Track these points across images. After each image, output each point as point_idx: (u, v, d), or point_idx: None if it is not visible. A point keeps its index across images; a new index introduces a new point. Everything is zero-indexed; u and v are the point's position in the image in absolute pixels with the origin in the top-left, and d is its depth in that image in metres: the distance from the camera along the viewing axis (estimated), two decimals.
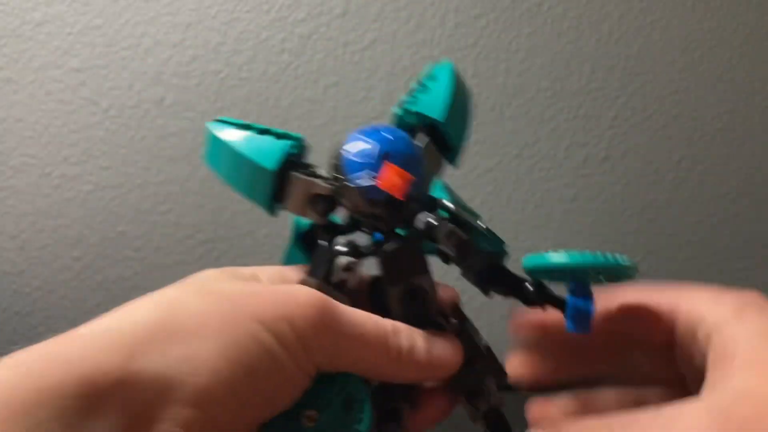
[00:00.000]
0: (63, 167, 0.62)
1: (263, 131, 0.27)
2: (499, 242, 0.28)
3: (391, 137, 0.26)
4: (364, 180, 0.25)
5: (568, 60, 0.64)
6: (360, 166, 0.25)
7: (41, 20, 0.60)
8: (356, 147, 0.25)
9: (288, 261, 0.29)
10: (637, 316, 0.26)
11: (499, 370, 0.28)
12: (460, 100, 0.28)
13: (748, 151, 0.67)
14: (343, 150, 0.26)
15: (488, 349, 0.28)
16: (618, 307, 0.27)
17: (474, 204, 0.64)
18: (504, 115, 0.64)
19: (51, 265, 0.63)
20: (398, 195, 0.25)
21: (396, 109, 0.28)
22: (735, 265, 0.68)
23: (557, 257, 0.25)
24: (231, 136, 0.27)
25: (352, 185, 0.25)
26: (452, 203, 0.28)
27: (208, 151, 0.28)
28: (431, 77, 0.28)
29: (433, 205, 0.28)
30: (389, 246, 0.26)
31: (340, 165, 0.25)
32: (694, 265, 0.68)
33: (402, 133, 0.26)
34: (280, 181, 0.26)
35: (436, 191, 0.29)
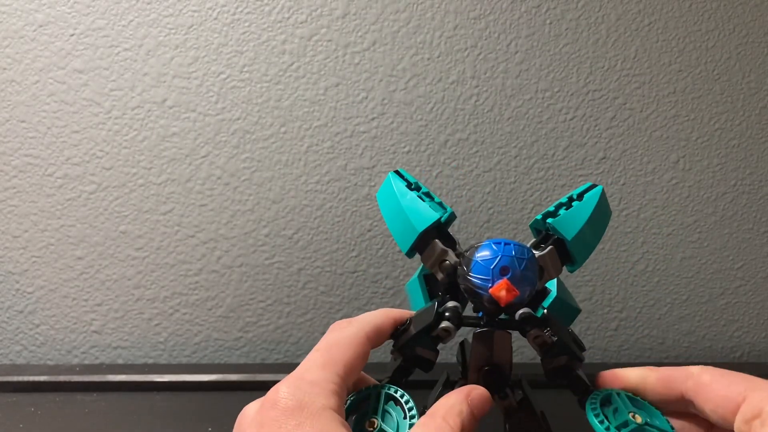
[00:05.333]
0: (65, 167, 0.62)
1: (426, 195, 0.34)
2: (580, 350, 0.33)
3: (514, 255, 0.31)
4: (479, 280, 0.30)
5: (566, 61, 0.64)
6: (481, 269, 0.30)
7: (44, 21, 0.60)
8: (484, 252, 0.31)
9: (411, 285, 0.36)
10: (705, 398, 0.30)
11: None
12: (594, 225, 0.33)
13: (745, 152, 0.67)
14: (475, 249, 0.31)
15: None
16: (691, 387, 0.31)
17: (473, 204, 0.65)
18: (503, 116, 0.64)
19: (53, 264, 0.64)
20: (501, 304, 0.30)
21: (538, 215, 0.33)
22: (733, 264, 0.68)
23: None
24: (400, 190, 0.34)
25: (471, 278, 0.31)
26: (556, 298, 0.35)
27: (381, 191, 0.35)
28: (580, 197, 0.33)
29: (541, 298, 0.34)
30: (482, 330, 0.32)
31: (469, 259, 0.31)
32: (692, 265, 0.68)
33: (528, 254, 0.31)
34: (422, 239, 0.33)
35: (549, 284, 0.35)
